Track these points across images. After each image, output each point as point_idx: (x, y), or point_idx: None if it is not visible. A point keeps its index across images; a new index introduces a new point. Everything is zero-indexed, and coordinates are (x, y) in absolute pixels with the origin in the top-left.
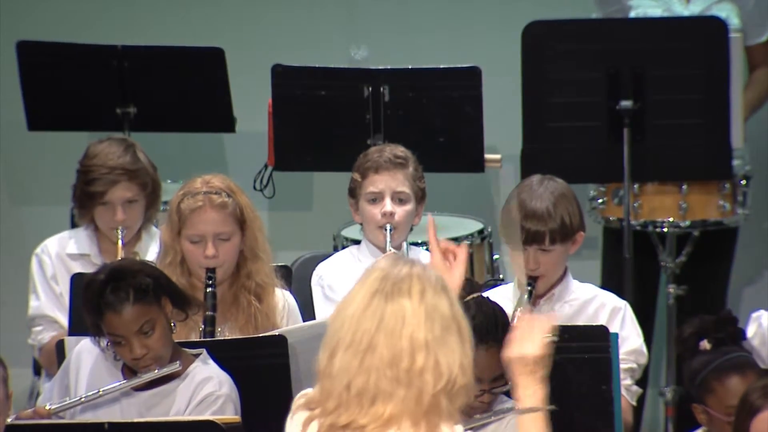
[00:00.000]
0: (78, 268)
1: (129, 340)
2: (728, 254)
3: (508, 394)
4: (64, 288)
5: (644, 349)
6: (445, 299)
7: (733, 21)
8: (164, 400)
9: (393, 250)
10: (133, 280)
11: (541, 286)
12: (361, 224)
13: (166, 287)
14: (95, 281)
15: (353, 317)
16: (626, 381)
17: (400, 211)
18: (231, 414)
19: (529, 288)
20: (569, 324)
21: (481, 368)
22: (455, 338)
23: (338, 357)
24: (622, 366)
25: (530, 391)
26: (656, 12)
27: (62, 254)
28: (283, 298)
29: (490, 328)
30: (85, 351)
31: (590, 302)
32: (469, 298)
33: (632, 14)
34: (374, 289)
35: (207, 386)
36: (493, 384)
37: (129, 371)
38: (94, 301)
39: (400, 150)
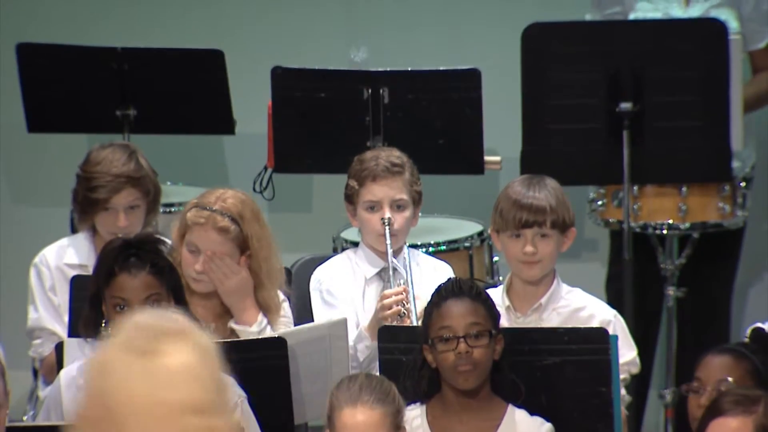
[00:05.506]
0: None
1: (132, 307)
2: (731, 257)
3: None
4: (62, 299)
5: (638, 360)
6: None
7: (732, 25)
8: None
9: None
10: (154, 255)
11: (537, 273)
12: (360, 228)
13: (177, 280)
14: (116, 242)
15: None
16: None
17: (399, 218)
18: (247, 415)
19: None
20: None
21: (452, 318)
22: None
23: None
24: None
25: None
26: (655, 15)
27: (60, 265)
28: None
29: (454, 288)
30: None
31: (578, 313)
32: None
33: (631, 17)
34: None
35: None
36: (466, 331)
37: None
38: (109, 262)
39: (396, 155)
